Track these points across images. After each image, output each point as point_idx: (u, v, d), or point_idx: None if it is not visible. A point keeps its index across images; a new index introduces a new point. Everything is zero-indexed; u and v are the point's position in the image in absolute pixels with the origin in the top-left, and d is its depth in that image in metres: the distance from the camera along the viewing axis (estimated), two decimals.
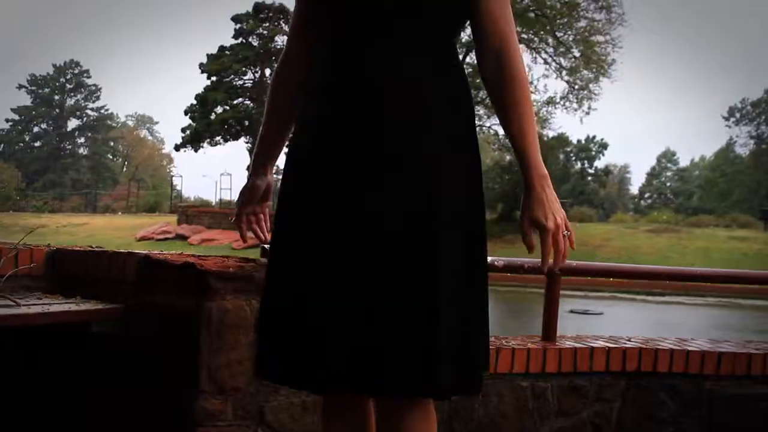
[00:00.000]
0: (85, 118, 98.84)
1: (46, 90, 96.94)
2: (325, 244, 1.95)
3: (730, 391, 4.21)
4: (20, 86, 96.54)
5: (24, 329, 3.06)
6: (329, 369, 1.90)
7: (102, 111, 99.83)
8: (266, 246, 2.57)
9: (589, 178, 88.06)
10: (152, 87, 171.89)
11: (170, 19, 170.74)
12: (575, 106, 34.86)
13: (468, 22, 2.13)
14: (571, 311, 18.29)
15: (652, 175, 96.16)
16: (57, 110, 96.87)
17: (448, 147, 1.99)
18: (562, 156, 74.47)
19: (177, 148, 45.94)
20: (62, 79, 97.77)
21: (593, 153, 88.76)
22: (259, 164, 2.43)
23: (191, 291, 3.08)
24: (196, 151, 44.20)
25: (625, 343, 4.28)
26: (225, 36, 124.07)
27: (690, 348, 4.28)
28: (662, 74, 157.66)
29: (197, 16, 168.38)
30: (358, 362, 1.89)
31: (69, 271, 3.67)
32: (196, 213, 38.77)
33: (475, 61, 2.10)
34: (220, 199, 51.94)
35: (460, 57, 2.10)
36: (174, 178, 67.60)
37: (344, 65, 2.02)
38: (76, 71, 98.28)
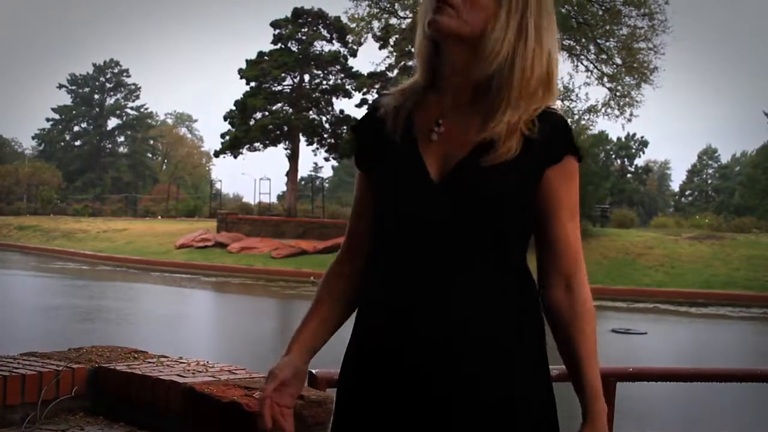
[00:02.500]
0: (124, 117, 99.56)
1: (86, 89, 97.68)
2: None
3: None
4: (60, 86, 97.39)
5: None
6: None
7: (141, 110, 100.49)
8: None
9: (629, 175, 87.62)
10: (191, 85, 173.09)
11: (208, 19, 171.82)
12: (617, 113, 34.47)
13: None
14: (613, 331, 18.05)
15: (693, 172, 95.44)
16: (97, 109, 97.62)
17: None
18: (601, 154, 74.12)
19: (216, 154, 46.10)
20: (102, 79, 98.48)
21: (633, 151, 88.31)
22: (292, 347, 2.15)
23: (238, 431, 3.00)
24: (235, 157, 44.28)
25: None
26: (265, 38, 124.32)
27: None
28: (703, 72, 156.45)
29: (237, 22, 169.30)
30: None
31: (111, 391, 3.59)
32: (235, 220, 38.81)
33: None
34: (259, 202, 52.06)
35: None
36: (214, 182, 67.55)
37: (424, 294, 1.89)
38: (116, 70, 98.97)
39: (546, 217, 1.95)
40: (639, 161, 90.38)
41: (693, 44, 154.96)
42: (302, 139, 45.48)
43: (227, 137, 44.12)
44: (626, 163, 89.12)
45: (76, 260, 36.78)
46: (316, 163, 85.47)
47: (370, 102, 2.20)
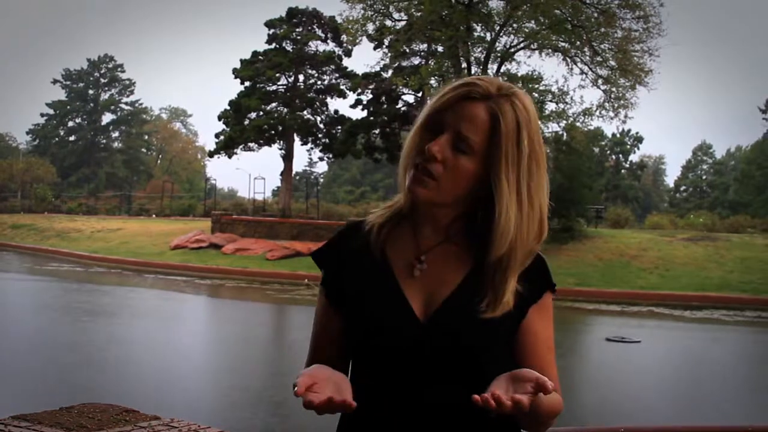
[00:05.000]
0: (119, 113, 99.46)
1: (81, 84, 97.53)
2: None
3: None
4: (55, 81, 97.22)
5: None
6: None
7: (136, 105, 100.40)
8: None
9: (624, 171, 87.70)
10: (186, 80, 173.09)
11: (203, 15, 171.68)
12: (611, 114, 34.38)
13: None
14: (607, 339, 18.04)
15: (688, 168, 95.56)
16: (91, 104, 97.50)
17: None
18: (596, 150, 74.16)
19: (211, 154, 46.05)
20: (96, 74, 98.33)
21: (628, 147, 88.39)
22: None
23: None
24: (229, 157, 44.14)
25: None
26: (260, 35, 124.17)
27: None
28: (698, 68, 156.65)
29: (233, 19, 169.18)
30: None
31: None
32: (229, 221, 38.75)
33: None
34: (254, 200, 51.99)
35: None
36: (209, 182, 67.57)
37: (400, 402, 1.93)
38: (110, 65, 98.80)
39: (524, 351, 1.98)
40: (633, 157, 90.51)
41: (688, 40, 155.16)
42: (297, 138, 45.43)
43: (222, 137, 44.05)
44: (621, 159, 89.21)
45: (71, 261, 36.69)
46: (310, 158, 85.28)
47: (349, 222, 2.19)
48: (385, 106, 42.56)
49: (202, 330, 19.60)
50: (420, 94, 39.15)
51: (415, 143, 1.97)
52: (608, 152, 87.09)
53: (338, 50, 44.69)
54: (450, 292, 1.94)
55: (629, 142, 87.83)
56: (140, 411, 4.28)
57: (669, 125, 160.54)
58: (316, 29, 44.68)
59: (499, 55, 34.56)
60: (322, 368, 1.84)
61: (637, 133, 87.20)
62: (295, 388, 1.72)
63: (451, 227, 2.00)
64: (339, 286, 2.07)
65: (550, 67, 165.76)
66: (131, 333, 17.17)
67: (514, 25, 34.10)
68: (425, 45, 39.55)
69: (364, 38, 36.54)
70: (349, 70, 44.61)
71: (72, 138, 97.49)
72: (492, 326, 1.91)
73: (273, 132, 44.14)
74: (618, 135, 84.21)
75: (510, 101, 1.93)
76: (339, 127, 44.39)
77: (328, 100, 45.63)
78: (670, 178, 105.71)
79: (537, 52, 34.39)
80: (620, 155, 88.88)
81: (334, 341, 2.08)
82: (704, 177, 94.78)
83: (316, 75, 45.31)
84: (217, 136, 44.66)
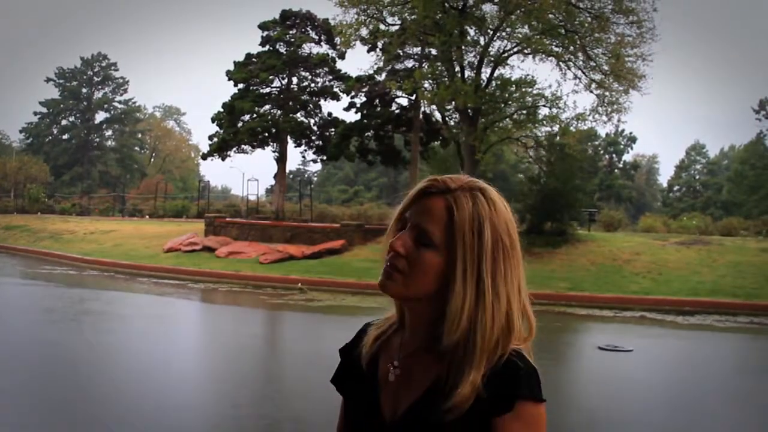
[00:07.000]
0: (112, 111, 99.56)
1: (74, 83, 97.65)
2: None
3: None
4: (48, 79, 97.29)
5: None
6: None
7: (129, 103, 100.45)
8: None
9: (617, 171, 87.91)
10: (179, 79, 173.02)
11: (198, 15, 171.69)
12: (604, 119, 34.45)
13: None
14: (599, 348, 18.02)
15: (681, 167, 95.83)
16: (85, 103, 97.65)
17: None
18: (590, 150, 74.29)
19: (204, 156, 45.89)
20: (90, 72, 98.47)
21: (621, 146, 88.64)
22: None
23: None
24: (223, 159, 44.06)
25: None
26: (255, 35, 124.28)
27: None
28: (692, 69, 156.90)
29: (227, 17, 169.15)
30: None
31: None
32: (223, 224, 38.65)
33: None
34: (247, 200, 52.03)
35: None
36: (202, 182, 67.46)
37: None
38: (104, 64, 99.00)
39: None
40: (627, 157, 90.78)
41: (682, 40, 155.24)
42: (290, 141, 45.33)
43: (215, 139, 43.96)
44: (614, 158, 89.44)
45: (64, 264, 36.55)
46: (304, 157, 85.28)
47: (366, 323, 2.29)
48: (378, 108, 42.55)
49: (195, 336, 19.56)
50: (413, 97, 39.16)
51: (387, 244, 2.02)
52: (602, 152, 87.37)
53: (332, 53, 44.57)
54: (416, 397, 1.98)
55: (623, 142, 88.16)
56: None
57: (662, 125, 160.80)
58: (310, 31, 44.51)
59: (492, 59, 34.57)
60: None
61: (630, 133, 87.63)
62: None
63: (434, 330, 1.99)
64: (343, 384, 2.21)
65: (543, 72, 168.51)
66: (122, 339, 17.12)
67: (508, 29, 34.12)
68: (419, 48, 39.51)
69: (358, 42, 36.50)
70: (342, 72, 44.50)
71: (65, 136, 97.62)
72: (450, 428, 1.90)
73: (266, 134, 44.02)
74: (611, 135, 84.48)
75: (470, 194, 1.97)
76: (332, 130, 44.35)
77: (322, 102, 45.53)
78: (664, 177, 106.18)
79: (530, 56, 34.43)
80: (614, 155, 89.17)
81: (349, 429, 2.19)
82: (697, 177, 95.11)
83: (309, 77, 45.15)
84: (210, 138, 44.60)
